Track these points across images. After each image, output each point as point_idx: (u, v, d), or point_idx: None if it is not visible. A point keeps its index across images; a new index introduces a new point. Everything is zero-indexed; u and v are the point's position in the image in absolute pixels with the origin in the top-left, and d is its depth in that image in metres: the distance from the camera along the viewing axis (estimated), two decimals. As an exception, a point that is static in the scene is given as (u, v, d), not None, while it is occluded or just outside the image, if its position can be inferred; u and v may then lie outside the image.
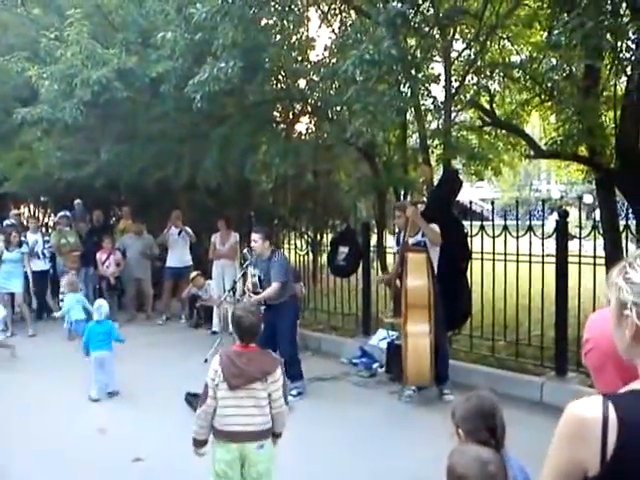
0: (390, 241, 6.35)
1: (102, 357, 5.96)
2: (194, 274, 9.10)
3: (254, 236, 5.99)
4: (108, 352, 6.02)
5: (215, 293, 8.65)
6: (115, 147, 8.08)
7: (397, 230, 6.32)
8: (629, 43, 5.13)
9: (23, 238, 9.40)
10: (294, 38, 7.16)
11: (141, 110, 7.82)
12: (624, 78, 6.81)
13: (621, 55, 5.42)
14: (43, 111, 7.02)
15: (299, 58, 7.87)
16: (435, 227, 5.73)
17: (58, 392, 6.17)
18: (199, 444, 3.21)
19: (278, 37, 6.41)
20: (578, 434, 1.23)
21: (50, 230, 11.47)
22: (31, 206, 14.70)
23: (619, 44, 5.09)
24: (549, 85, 7.08)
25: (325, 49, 7.97)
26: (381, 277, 7.06)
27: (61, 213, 10.37)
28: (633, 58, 4.69)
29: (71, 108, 6.62)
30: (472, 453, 1.92)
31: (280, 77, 8.03)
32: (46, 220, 14.01)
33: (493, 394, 2.33)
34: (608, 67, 6.59)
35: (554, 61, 5.13)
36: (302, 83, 8.32)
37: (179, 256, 9.69)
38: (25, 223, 10.80)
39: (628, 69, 5.82)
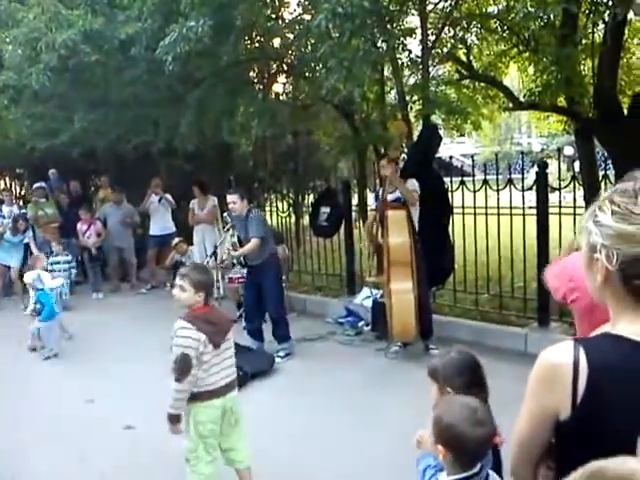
0: (371, 199, 6.33)
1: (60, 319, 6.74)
2: (176, 241, 9.03)
3: (231, 198, 5.91)
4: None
5: (197, 259, 8.60)
6: (89, 114, 7.87)
7: (376, 186, 6.28)
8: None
9: (-1, 212, 9.29)
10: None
11: (113, 74, 7.59)
12: (602, 25, 6.74)
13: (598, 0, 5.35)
14: (8, 78, 6.78)
15: (272, 16, 7.66)
16: (414, 183, 5.70)
17: (43, 365, 6.17)
18: (177, 420, 3.14)
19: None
20: (550, 379, 1.25)
21: (27, 202, 11.25)
22: (6, 178, 14.40)
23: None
24: (526, 35, 6.99)
25: (298, 5, 7.77)
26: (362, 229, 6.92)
27: (36, 184, 10.17)
28: (610, 3, 4.61)
29: (37, 74, 6.38)
30: (459, 402, 1.93)
31: (253, 36, 7.83)
32: (23, 192, 13.76)
33: (474, 343, 2.36)
34: (586, 13, 6.50)
35: (530, 9, 5.04)
36: (277, 42, 8.13)
37: (161, 224, 9.60)
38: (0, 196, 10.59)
39: (606, 15, 5.75)
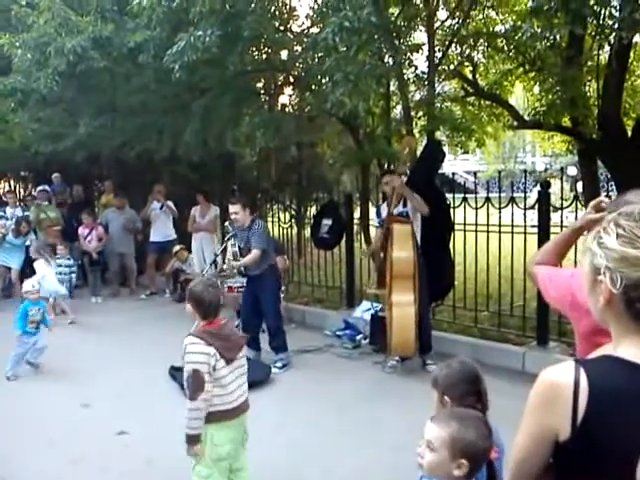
0: (373, 213, 6.34)
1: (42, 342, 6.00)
2: (177, 248, 9.04)
3: (233, 208, 5.92)
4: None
5: (196, 266, 8.61)
6: (95, 120, 7.91)
7: (378, 201, 6.29)
8: (612, 10, 5.08)
9: (2, 213, 9.29)
10: (273, 7, 6.99)
11: (120, 81, 7.65)
12: (607, 47, 6.78)
13: (603, 22, 5.38)
14: (16, 81, 6.83)
15: (281, 28, 7.72)
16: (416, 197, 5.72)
17: (39, 369, 6.16)
18: (197, 441, 2.91)
19: (258, 5, 6.27)
20: (550, 399, 1.24)
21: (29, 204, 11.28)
22: (11, 181, 14.47)
23: (601, 11, 5.04)
24: (532, 54, 7.03)
25: (307, 18, 7.84)
26: (365, 251, 7.05)
27: (40, 187, 10.23)
28: (615, 26, 4.65)
29: (46, 78, 6.44)
30: (469, 416, 1.92)
31: (261, 47, 7.88)
32: (26, 195, 13.81)
33: (473, 360, 2.35)
34: (592, 35, 6.54)
35: (537, 29, 5.07)
36: (284, 54, 8.18)
37: (162, 230, 9.61)
38: (4, 198, 10.65)
39: (611, 38, 5.78)
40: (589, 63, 6.93)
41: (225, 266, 6.10)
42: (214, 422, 2.93)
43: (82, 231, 9.49)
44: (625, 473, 1.17)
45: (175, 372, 5.60)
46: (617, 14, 5.11)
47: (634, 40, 6.19)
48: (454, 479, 1.81)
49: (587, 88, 7.24)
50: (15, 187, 14.13)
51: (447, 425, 1.84)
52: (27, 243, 9.15)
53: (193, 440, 2.90)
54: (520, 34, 6.32)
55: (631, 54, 7.04)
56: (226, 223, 6.55)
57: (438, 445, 1.81)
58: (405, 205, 5.77)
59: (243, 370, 3.11)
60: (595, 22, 5.50)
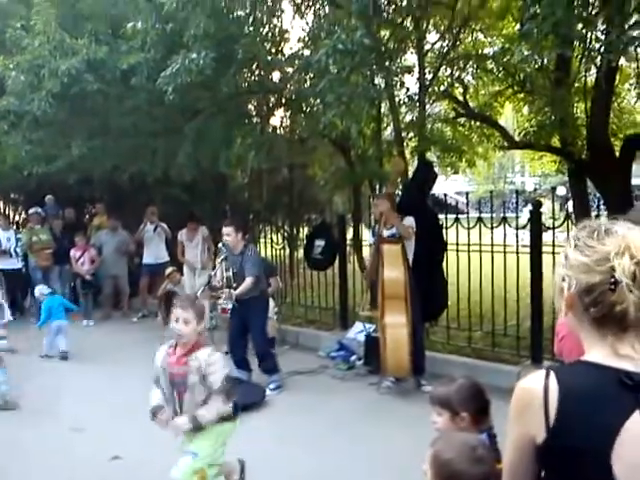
0: (366, 234, 6.34)
1: (61, 325, 7.19)
2: (170, 270, 8.98)
3: (226, 230, 5.93)
4: (65, 321, 7.29)
5: (187, 288, 8.57)
6: (88, 141, 7.93)
7: (373, 222, 6.32)
8: (598, 34, 5.19)
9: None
10: (266, 29, 7.08)
11: (113, 103, 7.67)
12: (594, 70, 6.90)
13: (590, 46, 5.49)
14: (10, 104, 6.85)
15: (273, 50, 7.81)
16: (409, 220, 5.74)
17: (30, 390, 6.07)
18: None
19: (251, 28, 6.35)
20: (524, 406, 1.31)
21: (22, 228, 11.20)
22: (1, 203, 14.38)
23: (588, 34, 5.15)
24: (522, 76, 7.14)
25: (299, 41, 7.94)
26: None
27: (32, 210, 10.15)
28: (602, 49, 4.75)
29: (40, 100, 6.46)
30: (459, 438, 1.91)
31: (253, 69, 7.96)
32: (17, 218, 13.72)
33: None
34: (579, 58, 6.66)
35: (526, 52, 5.17)
36: (276, 76, 8.26)
37: (155, 252, 9.58)
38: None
39: (598, 60, 5.89)
40: (577, 85, 7.04)
41: (225, 297, 6.00)
42: (232, 421, 3.44)
43: (74, 253, 9.43)
44: (601, 467, 1.20)
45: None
46: (603, 37, 5.22)
47: (620, 63, 6.31)
48: None
49: (575, 109, 7.35)
50: (5, 209, 14.04)
51: (434, 445, 1.86)
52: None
53: (197, 429, 3.29)
54: (509, 56, 6.43)
55: (617, 76, 7.17)
56: (219, 244, 6.54)
57: (427, 466, 1.83)
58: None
59: None
60: (582, 45, 5.61)
